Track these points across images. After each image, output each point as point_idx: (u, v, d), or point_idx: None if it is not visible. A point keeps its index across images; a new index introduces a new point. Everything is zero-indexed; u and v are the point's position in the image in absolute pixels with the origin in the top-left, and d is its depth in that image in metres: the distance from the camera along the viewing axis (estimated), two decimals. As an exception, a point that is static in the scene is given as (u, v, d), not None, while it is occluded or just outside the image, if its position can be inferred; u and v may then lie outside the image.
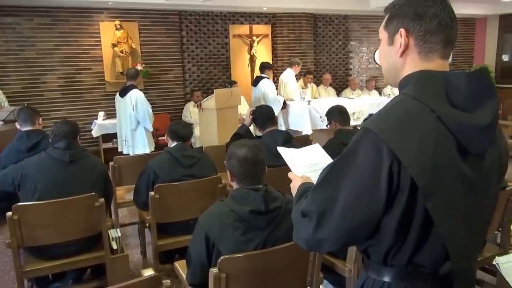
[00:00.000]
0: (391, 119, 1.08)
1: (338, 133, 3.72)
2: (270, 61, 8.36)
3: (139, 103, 5.48)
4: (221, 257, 1.85)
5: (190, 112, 7.38)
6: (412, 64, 1.17)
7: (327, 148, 3.66)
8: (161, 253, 3.18)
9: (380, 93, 8.81)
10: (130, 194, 3.89)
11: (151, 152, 5.50)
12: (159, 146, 6.90)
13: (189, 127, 3.40)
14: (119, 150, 5.91)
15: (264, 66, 6.91)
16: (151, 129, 5.72)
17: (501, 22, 10.27)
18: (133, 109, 5.48)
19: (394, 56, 1.20)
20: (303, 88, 7.50)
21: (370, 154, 1.06)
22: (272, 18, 8.43)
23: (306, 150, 1.65)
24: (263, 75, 6.79)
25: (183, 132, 3.30)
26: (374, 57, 9.64)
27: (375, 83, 9.01)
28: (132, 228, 4.39)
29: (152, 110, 7.43)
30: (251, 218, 1.96)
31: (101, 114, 6.92)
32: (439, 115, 1.06)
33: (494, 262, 1.92)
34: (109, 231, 2.98)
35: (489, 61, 10.52)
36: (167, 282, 1.76)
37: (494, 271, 2.95)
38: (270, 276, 1.98)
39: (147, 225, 3.38)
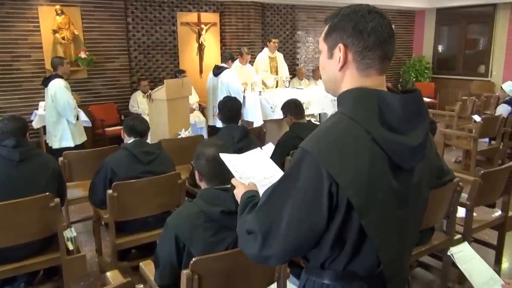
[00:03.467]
0: (328, 140, 1.11)
1: (294, 126, 3.82)
2: (219, 50, 8.29)
3: (58, 93, 5.10)
4: (194, 259, 1.85)
5: (138, 102, 7.18)
6: (351, 79, 1.19)
7: (284, 141, 3.77)
8: (117, 251, 3.10)
9: (326, 83, 8.98)
10: (72, 191, 3.75)
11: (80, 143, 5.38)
12: (109, 139, 6.70)
13: (145, 122, 3.31)
14: (47, 141, 5.59)
15: (227, 57, 6.62)
16: (74, 121, 5.30)
17: (437, 15, 10.76)
18: (52, 100, 5.15)
19: (334, 70, 1.21)
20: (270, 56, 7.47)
21: (311, 177, 1.10)
22: (220, 6, 8.32)
23: (249, 155, 1.64)
24: (224, 65, 6.51)
25: (140, 127, 3.21)
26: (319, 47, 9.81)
27: (321, 73, 9.17)
28: (81, 225, 4.26)
29: (97, 100, 7.23)
30: (222, 219, 1.95)
31: (42, 104, 6.50)
32: (373, 136, 1.10)
33: (448, 253, 2.05)
34: (64, 231, 2.87)
35: (427, 52, 11.03)
36: (139, 286, 1.73)
37: (441, 256, 3.15)
38: (241, 275, 2.01)
39: (102, 223, 3.29)
